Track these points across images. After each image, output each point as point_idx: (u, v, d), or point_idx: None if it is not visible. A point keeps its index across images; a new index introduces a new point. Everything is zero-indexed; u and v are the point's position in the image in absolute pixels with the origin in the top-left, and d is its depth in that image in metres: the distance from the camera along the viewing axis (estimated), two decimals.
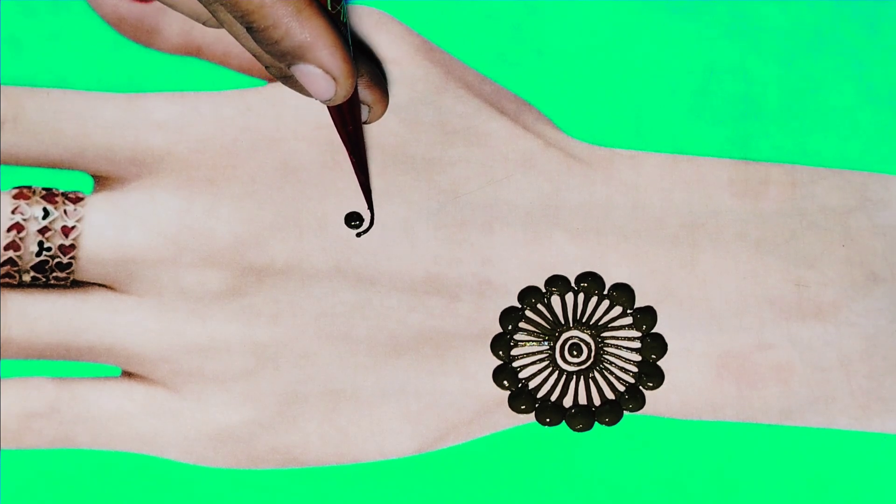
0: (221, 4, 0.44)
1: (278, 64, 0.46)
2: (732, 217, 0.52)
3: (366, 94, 0.51)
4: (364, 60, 0.51)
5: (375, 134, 0.53)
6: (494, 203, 0.53)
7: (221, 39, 0.53)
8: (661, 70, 0.54)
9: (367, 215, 0.52)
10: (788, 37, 0.54)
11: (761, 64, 0.54)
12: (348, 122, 0.49)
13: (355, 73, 0.46)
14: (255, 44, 0.45)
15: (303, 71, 0.45)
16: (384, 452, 0.50)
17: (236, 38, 0.46)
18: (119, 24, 0.54)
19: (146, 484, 0.50)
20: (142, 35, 0.54)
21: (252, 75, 0.54)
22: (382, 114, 0.52)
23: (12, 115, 0.53)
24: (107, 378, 0.51)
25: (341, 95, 0.46)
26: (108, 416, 0.51)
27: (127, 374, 0.51)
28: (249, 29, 0.44)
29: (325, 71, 0.45)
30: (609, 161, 0.53)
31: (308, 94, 0.46)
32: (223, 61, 0.54)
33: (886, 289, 0.52)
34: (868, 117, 0.54)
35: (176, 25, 0.54)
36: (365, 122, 0.52)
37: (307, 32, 0.44)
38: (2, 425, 0.50)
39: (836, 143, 0.53)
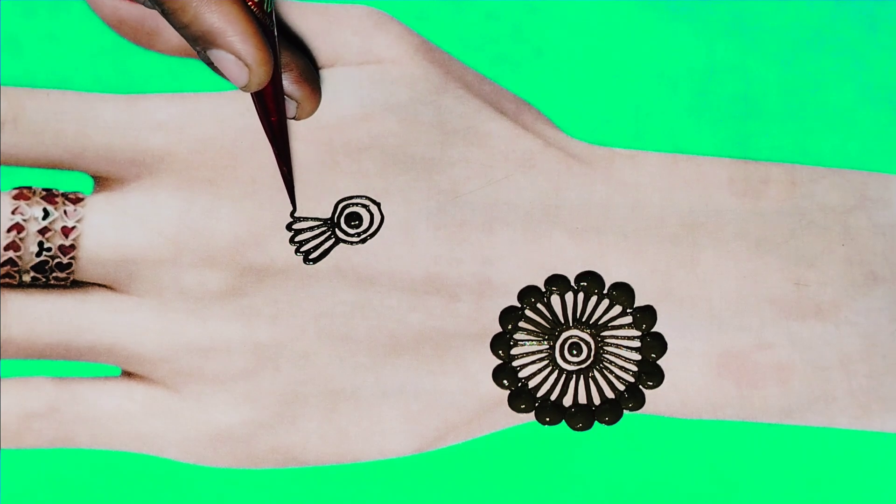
0: None
1: (195, 47, 0.46)
2: (732, 216, 0.52)
3: (293, 88, 0.51)
4: (296, 55, 0.51)
5: (375, 134, 0.53)
6: (494, 203, 0.53)
7: None
8: (661, 70, 0.54)
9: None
10: (788, 37, 0.54)
11: (761, 64, 0.54)
12: (272, 112, 0.49)
13: (271, 61, 0.46)
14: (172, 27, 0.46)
15: (216, 56, 0.46)
16: (384, 452, 0.50)
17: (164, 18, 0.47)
18: (119, 26, 0.54)
19: (146, 484, 0.50)
20: (142, 37, 0.54)
21: None
22: (313, 111, 0.52)
23: (12, 115, 0.53)
24: (107, 378, 0.51)
25: (255, 83, 0.46)
26: (108, 416, 0.51)
27: (127, 374, 0.51)
28: (162, 12, 0.44)
29: (237, 57, 0.45)
30: (609, 161, 0.53)
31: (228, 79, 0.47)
32: None
33: (886, 288, 0.52)
34: (868, 117, 0.54)
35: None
36: (293, 118, 0.52)
37: (216, 17, 0.44)
38: (2, 425, 0.50)
39: (836, 143, 0.53)
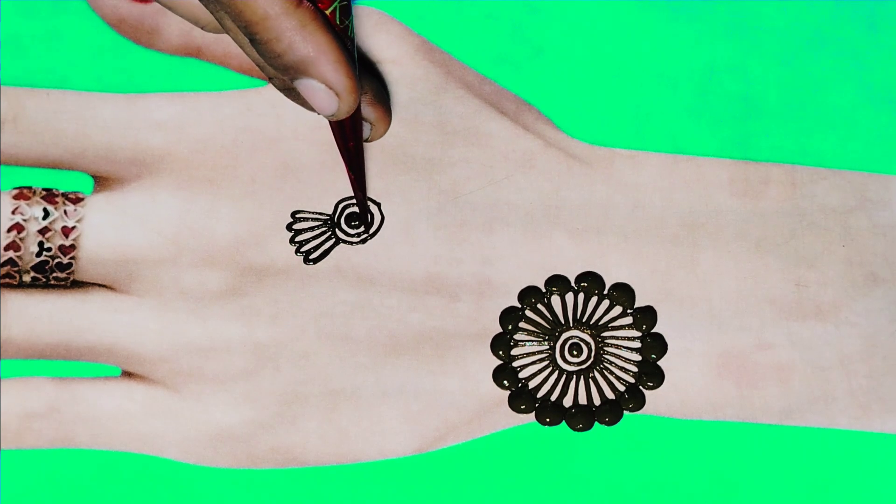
0: (226, 13, 0.43)
1: (281, 76, 0.46)
2: (732, 217, 0.52)
3: (368, 111, 0.51)
4: (368, 77, 0.51)
5: None
6: (494, 203, 0.53)
7: (221, 40, 0.53)
8: (661, 70, 0.54)
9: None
10: (788, 37, 0.54)
11: (761, 64, 0.54)
12: (349, 137, 0.49)
13: (359, 89, 0.46)
14: (258, 55, 0.45)
15: (306, 85, 0.45)
16: (384, 452, 0.50)
17: (241, 46, 0.46)
18: (119, 25, 0.54)
19: (146, 484, 0.50)
20: (142, 35, 0.54)
21: (252, 75, 0.54)
22: (384, 132, 0.52)
23: (12, 115, 0.53)
24: (107, 378, 0.51)
25: (344, 111, 0.46)
26: (108, 416, 0.51)
27: (127, 374, 0.51)
28: (252, 41, 0.44)
29: (328, 86, 0.45)
30: (609, 161, 0.53)
31: (310, 108, 0.46)
32: (223, 61, 0.54)
33: (886, 289, 0.52)
34: (868, 117, 0.54)
35: (176, 26, 0.54)
36: (366, 140, 0.52)
37: (311, 47, 0.44)
38: (2, 425, 0.50)
39: (836, 143, 0.53)
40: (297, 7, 0.43)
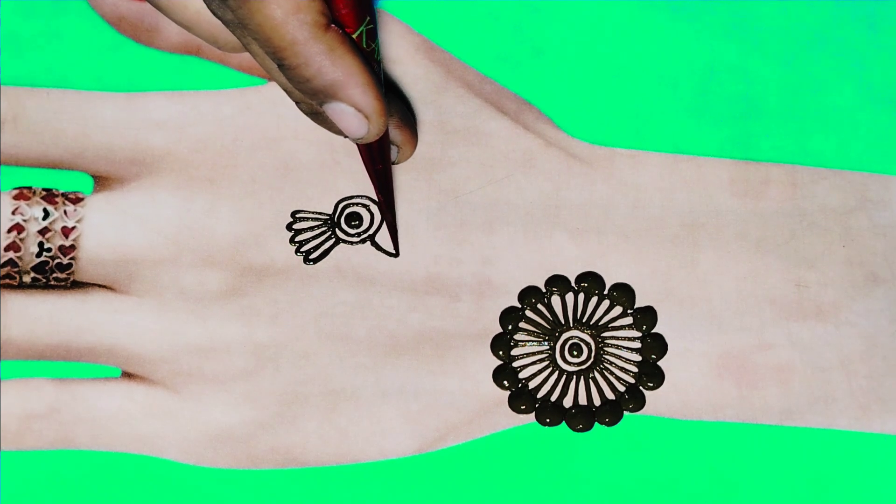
0: (253, 39, 0.43)
1: (309, 101, 0.45)
2: (733, 217, 0.52)
3: (395, 133, 0.51)
4: (395, 100, 0.51)
5: None
6: (494, 203, 0.53)
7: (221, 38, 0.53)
8: (661, 70, 0.54)
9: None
10: (788, 37, 0.54)
11: (761, 64, 0.54)
12: (377, 160, 0.49)
13: (387, 111, 0.46)
14: (286, 80, 0.45)
15: (334, 109, 0.45)
16: (384, 452, 0.50)
17: (268, 71, 0.46)
18: (119, 24, 0.54)
19: (146, 484, 0.50)
20: (142, 34, 0.54)
21: (252, 74, 0.54)
22: (411, 154, 0.52)
23: (12, 115, 0.53)
24: (107, 379, 0.51)
25: (374, 134, 0.46)
26: (108, 416, 0.51)
27: (127, 375, 0.51)
28: (281, 66, 0.44)
29: (357, 109, 0.45)
30: (609, 161, 0.53)
31: (338, 132, 0.46)
32: (223, 60, 0.54)
33: (886, 289, 0.52)
34: (868, 117, 0.54)
35: (175, 24, 0.54)
36: (393, 163, 0.52)
37: (339, 71, 0.43)
38: (2, 426, 0.50)
39: (836, 143, 0.53)
40: (325, 32, 0.43)
